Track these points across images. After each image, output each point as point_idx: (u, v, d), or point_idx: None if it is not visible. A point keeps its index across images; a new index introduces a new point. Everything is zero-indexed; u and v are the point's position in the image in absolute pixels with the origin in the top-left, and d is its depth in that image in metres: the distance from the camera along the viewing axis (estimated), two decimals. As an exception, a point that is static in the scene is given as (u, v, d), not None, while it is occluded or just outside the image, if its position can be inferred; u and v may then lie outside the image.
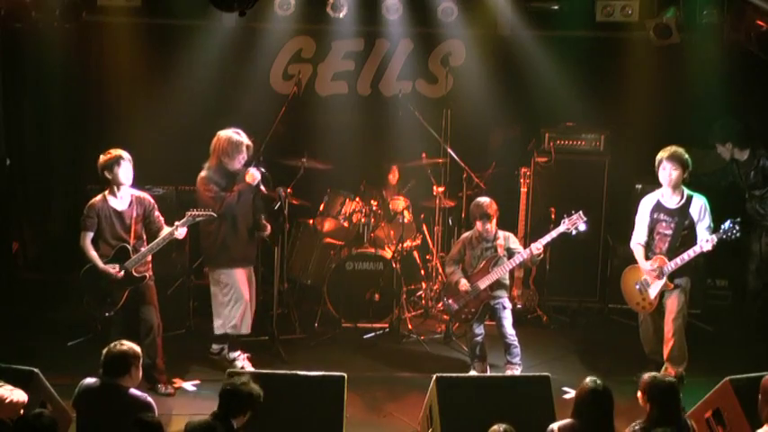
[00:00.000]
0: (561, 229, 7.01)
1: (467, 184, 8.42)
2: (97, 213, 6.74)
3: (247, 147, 7.17)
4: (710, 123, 8.24)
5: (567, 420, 4.77)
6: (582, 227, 7.02)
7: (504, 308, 7.17)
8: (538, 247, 6.99)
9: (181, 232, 6.80)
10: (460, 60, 9.50)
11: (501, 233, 7.18)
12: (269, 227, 7.55)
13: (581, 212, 6.99)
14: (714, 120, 8.28)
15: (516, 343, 7.17)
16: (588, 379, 4.78)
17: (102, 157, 6.74)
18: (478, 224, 7.11)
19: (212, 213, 6.94)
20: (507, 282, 7.23)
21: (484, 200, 7.18)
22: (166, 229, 6.83)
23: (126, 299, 6.75)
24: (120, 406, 4.84)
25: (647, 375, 4.91)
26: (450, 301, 7.31)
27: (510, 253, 7.09)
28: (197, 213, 6.86)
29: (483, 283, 7.08)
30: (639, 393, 4.87)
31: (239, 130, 7.20)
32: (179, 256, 8.30)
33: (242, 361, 7.32)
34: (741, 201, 8.11)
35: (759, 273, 8.16)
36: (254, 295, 7.45)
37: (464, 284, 7.12)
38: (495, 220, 7.12)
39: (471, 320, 7.21)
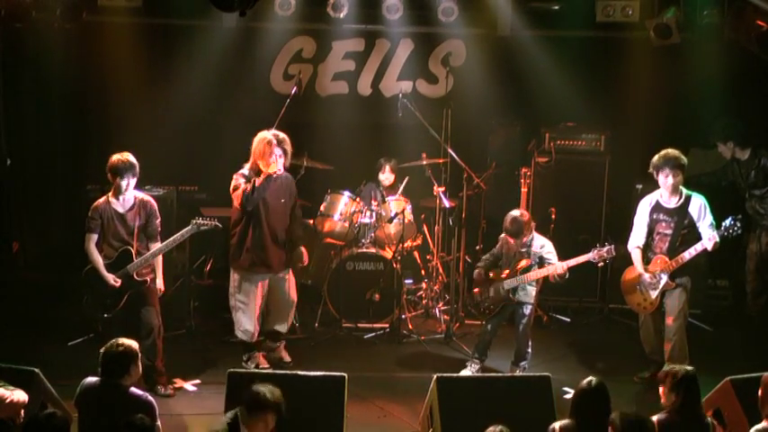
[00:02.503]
0: (587, 257, 6.95)
1: (467, 184, 8.42)
2: (100, 215, 6.73)
3: (283, 149, 7.02)
4: (711, 123, 8.24)
5: (568, 420, 4.78)
6: (608, 260, 7.02)
7: (525, 314, 7.16)
8: (563, 266, 6.95)
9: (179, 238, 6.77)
10: (461, 60, 9.50)
11: (538, 240, 7.15)
12: (306, 257, 7.42)
13: (612, 247, 6.90)
14: (714, 119, 8.28)
15: (529, 350, 7.20)
16: (584, 380, 4.79)
17: (113, 160, 6.68)
18: (510, 241, 7.10)
19: (217, 224, 6.92)
20: (533, 288, 7.17)
21: (512, 215, 7.09)
22: (154, 244, 6.80)
23: (126, 301, 6.74)
24: (121, 405, 4.83)
25: (666, 368, 5.04)
26: (475, 290, 7.34)
27: (541, 262, 7.08)
28: (202, 222, 6.83)
29: (507, 285, 7.09)
30: (661, 388, 4.90)
31: (279, 132, 7.10)
32: (180, 255, 8.30)
33: (255, 359, 7.29)
34: (741, 200, 8.11)
35: (759, 272, 8.16)
36: (287, 297, 7.34)
37: (478, 274, 7.19)
38: (529, 230, 7.07)
39: (489, 316, 7.23)
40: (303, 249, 7.41)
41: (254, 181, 6.98)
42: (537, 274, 7.03)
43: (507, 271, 7.15)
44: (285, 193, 7.21)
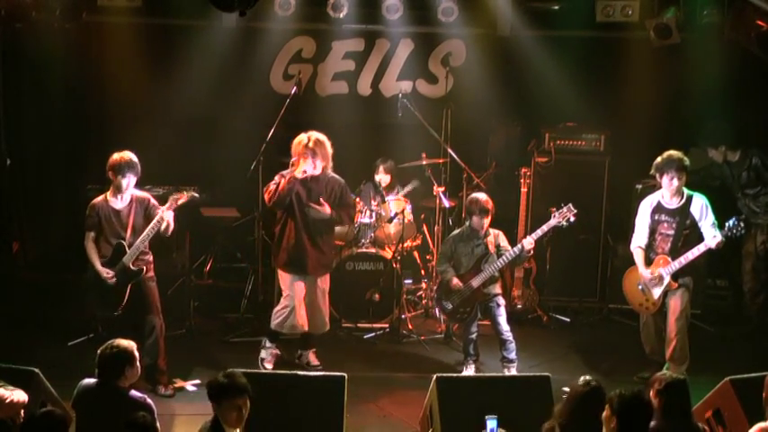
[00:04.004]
0: (552, 223, 7.04)
1: (467, 184, 8.42)
2: (98, 213, 6.75)
3: (313, 151, 6.97)
4: (708, 124, 8.24)
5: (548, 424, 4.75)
6: (572, 219, 7.05)
7: (498, 305, 7.18)
8: (530, 242, 7.00)
9: (168, 215, 6.72)
10: (461, 60, 9.50)
11: (491, 230, 7.19)
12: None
13: (570, 205, 7.02)
14: (713, 120, 8.29)
15: (512, 338, 7.19)
16: (580, 379, 4.78)
17: (114, 157, 6.69)
18: (475, 219, 7.12)
19: (194, 194, 6.91)
20: (498, 278, 7.21)
21: (481, 196, 7.19)
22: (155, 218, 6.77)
23: (129, 297, 6.75)
24: (119, 407, 4.81)
25: (659, 373, 5.02)
26: (444, 300, 7.32)
27: (499, 251, 7.11)
28: (178, 196, 6.81)
29: (476, 282, 7.10)
30: (651, 391, 4.90)
31: (316, 134, 7.04)
32: (180, 255, 8.30)
33: (267, 353, 7.30)
34: (731, 199, 8.11)
35: (756, 271, 8.17)
36: (316, 303, 7.29)
37: (456, 282, 7.14)
38: (490, 217, 7.13)
39: (467, 319, 7.22)
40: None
41: (280, 182, 6.99)
42: (505, 258, 7.06)
43: (471, 268, 7.13)
44: (326, 195, 7.15)
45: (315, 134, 7.07)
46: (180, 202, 6.82)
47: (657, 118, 9.07)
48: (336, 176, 7.28)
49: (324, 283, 7.33)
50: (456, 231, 7.39)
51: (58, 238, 9.19)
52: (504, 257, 7.06)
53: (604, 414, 4.45)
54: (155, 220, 6.73)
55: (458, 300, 7.20)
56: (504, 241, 7.20)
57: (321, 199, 7.12)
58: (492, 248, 7.11)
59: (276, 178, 7.10)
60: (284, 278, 7.23)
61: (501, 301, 7.22)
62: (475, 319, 7.26)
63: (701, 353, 7.18)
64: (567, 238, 7.62)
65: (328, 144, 7.08)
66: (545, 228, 7.05)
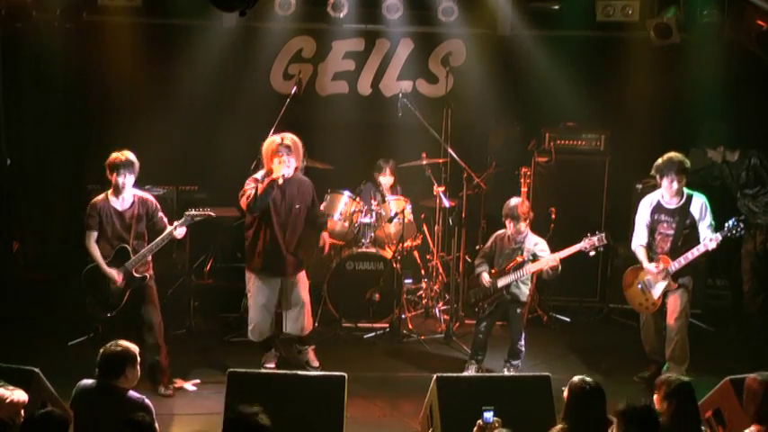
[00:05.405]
0: (578, 246, 6.94)
1: (467, 183, 8.42)
2: (99, 212, 6.71)
3: (287, 147, 6.87)
4: (707, 125, 8.24)
5: (559, 426, 4.73)
6: (601, 249, 7.02)
7: (518, 311, 7.16)
8: (555, 258, 6.93)
9: (180, 232, 6.77)
10: (461, 60, 9.51)
11: (533, 238, 7.14)
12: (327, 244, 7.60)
13: (603, 235, 6.89)
14: (714, 119, 8.28)
15: (522, 347, 7.20)
16: (577, 378, 4.76)
17: (112, 157, 6.68)
18: (507, 224, 7.10)
19: (210, 213, 6.90)
20: (526, 286, 7.15)
21: (513, 201, 7.14)
22: (167, 229, 6.81)
23: (127, 299, 6.74)
24: (118, 407, 4.80)
25: (663, 376, 5.01)
26: (470, 291, 7.34)
27: (534, 258, 7.07)
28: (195, 213, 6.83)
29: (500, 282, 7.09)
30: (656, 395, 4.90)
31: (287, 134, 6.99)
32: (180, 255, 8.30)
33: (265, 358, 7.30)
34: (731, 199, 8.11)
35: (755, 271, 8.16)
36: (298, 301, 7.21)
37: (486, 279, 7.14)
38: (526, 222, 7.07)
39: (483, 315, 7.23)
40: (323, 236, 7.76)
41: (257, 187, 6.91)
42: (530, 268, 7.02)
43: (501, 269, 7.12)
44: (299, 198, 7.08)
45: (288, 134, 7.02)
46: (195, 219, 6.83)
47: (657, 118, 9.07)
48: (305, 178, 7.23)
49: (301, 276, 7.25)
50: (501, 231, 7.32)
51: (58, 238, 9.19)
52: (531, 265, 6.99)
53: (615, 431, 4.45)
54: (166, 232, 6.73)
55: (480, 295, 7.20)
56: (543, 252, 7.07)
57: (296, 205, 7.04)
58: (527, 254, 7.06)
59: (249, 184, 6.97)
60: (253, 282, 7.12)
61: (521, 308, 7.17)
62: (490, 318, 7.25)
63: (701, 353, 7.18)
64: (566, 237, 7.59)
65: (301, 144, 7.04)
66: (572, 249, 6.96)
